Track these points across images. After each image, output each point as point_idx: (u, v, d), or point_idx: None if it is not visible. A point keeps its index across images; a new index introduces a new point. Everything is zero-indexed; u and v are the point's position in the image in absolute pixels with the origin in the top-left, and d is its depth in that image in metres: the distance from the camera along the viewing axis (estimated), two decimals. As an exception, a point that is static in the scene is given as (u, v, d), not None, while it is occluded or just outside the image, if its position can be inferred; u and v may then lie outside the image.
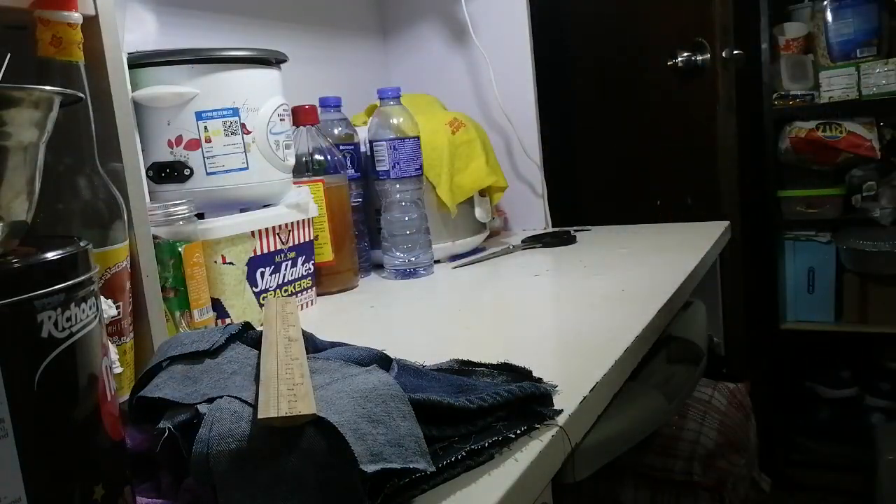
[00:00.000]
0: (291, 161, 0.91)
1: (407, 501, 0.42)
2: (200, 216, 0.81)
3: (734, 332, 1.48)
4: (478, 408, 0.47)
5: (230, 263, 0.82)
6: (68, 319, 0.32)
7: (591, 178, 1.55)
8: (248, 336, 0.56)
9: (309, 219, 0.94)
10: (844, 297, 1.84)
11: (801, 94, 1.78)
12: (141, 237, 0.62)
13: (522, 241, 1.25)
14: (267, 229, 0.86)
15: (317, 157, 1.01)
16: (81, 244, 0.35)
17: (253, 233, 0.85)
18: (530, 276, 1.00)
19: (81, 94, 0.46)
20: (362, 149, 1.12)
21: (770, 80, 1.78)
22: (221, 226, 0.81)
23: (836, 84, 1.73)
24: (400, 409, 0.42)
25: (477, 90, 1.45)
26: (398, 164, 1.04)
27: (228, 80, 0.83)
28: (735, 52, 1.45)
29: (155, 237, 0.67)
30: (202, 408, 0.43)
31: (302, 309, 0.93)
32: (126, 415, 0.49)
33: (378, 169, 1.05)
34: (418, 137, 1.06)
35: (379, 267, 1.13)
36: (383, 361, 0.52)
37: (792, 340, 1.89)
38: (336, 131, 1.11)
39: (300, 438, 0.39)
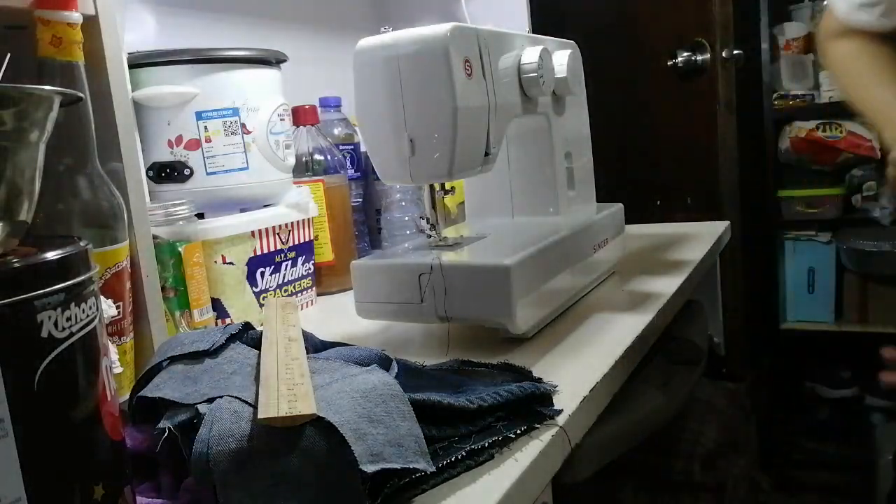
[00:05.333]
0: (291, 161, 0.91)
1: (407, 501, 0.42)
2: (200, 216, 0.81)
3: (734, 332, 1.48)
4: (478, 408, 0.47)
5: (230, 263, 0.82)
6: (68, 319, 0.32)
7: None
8: (248, 336, 0.56)
9: (309, 219, 0.94)
10: (844, 297, 1.84)
11: (801, 94, 1.77)
12: (141, 237, 0.62)
13: (522, 241, 1.25)
14: (267, 229, 0.86)
15: (317, 157, 1.01)
16: (81, 244, 0.35)
17: (253, 233, 0.85)
18: (530, 276, 1.00)
19: (81, 94, 0.46)
20: (362, 149, 1.12)
21: (770, 80, 1.78)
22: (221, 226, 0.81)
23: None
24: (400, 409, 0.42)
25: (477, 90, 1.45)
26: (398, 164, 1.04)
27: (228, 80, 0.83)
28: (735, 52, 1.45)
29: (155, 237, 0.67)
30: (202, 408, 0.43)
31: (302, 309, 0.93)
32: (126, 415, 0.50)
33: (378, 169, 1.05)
34: (418, 137, 1.06)
35: (379, 267, 1.13)
36: (383, 361, 0.52)
37: (792, 340, 1.89)
38: (336, 131, 1.11)
39: (300, 438, 0.39)
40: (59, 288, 0.31)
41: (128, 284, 0.61)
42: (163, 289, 0.68)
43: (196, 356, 0.51)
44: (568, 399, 0.53)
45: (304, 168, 1.00)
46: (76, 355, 0.32)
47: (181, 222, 0.73)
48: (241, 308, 0.83)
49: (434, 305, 0.66)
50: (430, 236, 0.74)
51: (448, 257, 0.68)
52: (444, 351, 0.68)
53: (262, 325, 0.58)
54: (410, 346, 0.72)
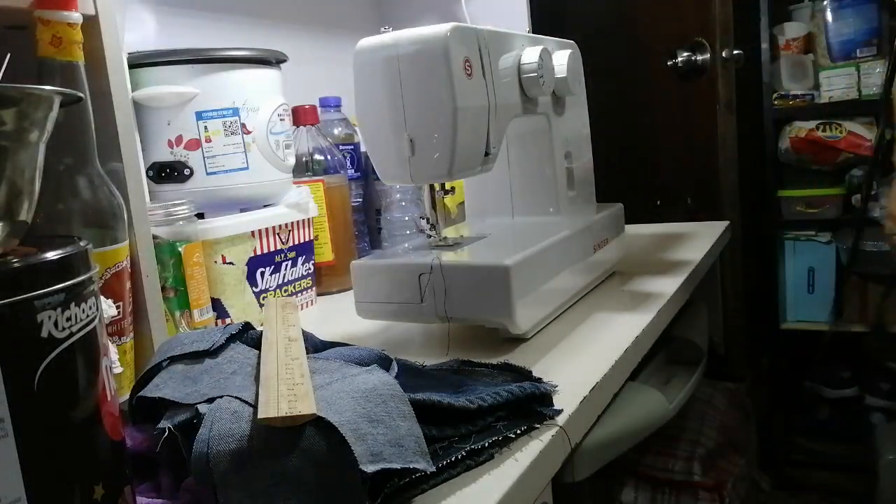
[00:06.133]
0: (291, 161, 0.91)
1: (407, 501, 0.42)
2: (200, 216, 0.81)
3: (734, 332, 1.48)
4: (478, 408, 0.47)
5: (230, 263, 0.82)
6: (68, 319, 0.32)
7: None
8: (248, 336, 0.56)
9: (309, 219, 0.94)
10: (844, 297, 1.84)
11: (801, 94, 1.77)
12: (141, 237, 0.62)
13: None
14: (267, 229, 0.86)
15: (317, 157, 1.01)
16: (81, 244, 0.35)
17: (253, 233, 0.85)
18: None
19: (81, 94, 0.46)
20: (362, 149, 1.12)
21: (770, 80, 1.78)
22: (221, 226, 0.81)
23: (836, 84, 1.73)
24: (400, 409, 0.42)
25: (477, 90, 1.45)
26: (398, 164, 1.04)
27: (228, 80, 0.83)
28: (735, 52, 1.45)
29: (155, 237, 0.67)
30: (202, 408, 0.43)
31: (302, 309, 0.93)
32: (126, 415, 0.50)
33: (378, 169, 1.05)
34: (418, 137, 1.06)
35: (379, 267, 1.13)
36: (383, 361, 0.52)
37: (792, 340, 1.89)
38: (336, 131, 1.11)
39: (300, 438, 0.39)
40: (59, 288, 0.31)
41: (128, 284, 0.60)
42: (163, 289, 0.68)
43: (196, 356, 0.51)
44: (568, 399, 0.53)
45: (304, 168, 1.00)
46: (76, 355, 0.32)
47: (181, 222, 0.73)
48: (241, 308, 0.83)
49: (434, 305, 0.66)
50: (430, 236, 0.74)
51: (448, 257, 0.68)
52: (444, 351, 0.68)
53: (262, 325, 0.58)
54: (410, 346, 0.72)
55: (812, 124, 1.75)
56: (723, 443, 1.04)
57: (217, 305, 0.81)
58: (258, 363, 0.50)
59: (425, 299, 0.66)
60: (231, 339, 0.54)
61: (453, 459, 0.44)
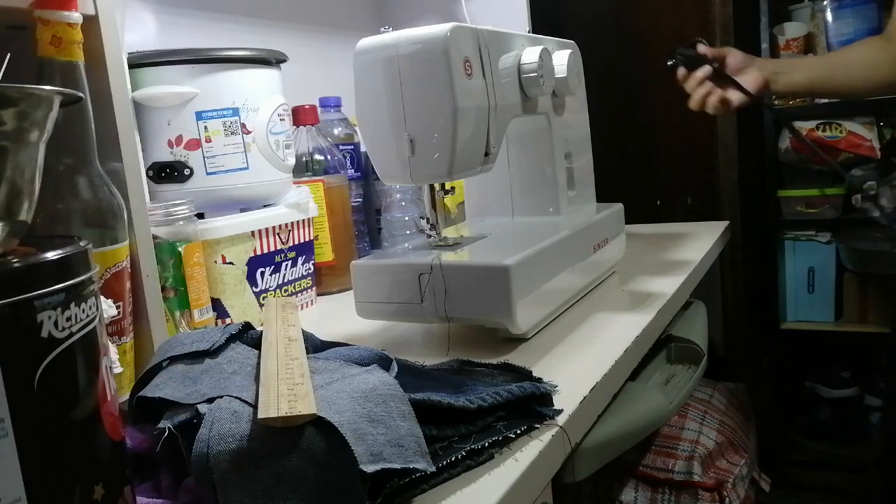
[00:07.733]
0: (291, 161, 0.91)
1: (407, 501, 0.42)
2: (200, 216, 0.81)
3: (734, 332, 1.48)
4: (478, 408, 0.47)
5: (230, 263, 0.82)
6: (68, 319, 0.32)
7: (591, 178, 1.55)
8: (248, 336, 0.56)
9: (309, 219, 0.94)
10: (844, 297, 1.84)
11: (801, 94, 1.77)
12: (141, 237, 0.62)
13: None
14: (267, 229, 0.86)
15: (317, 157, 1.01)
16: (81, 244, 0.35)
17: (253, 233, 0.85)
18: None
19: (81, 94, 0.46)
20: (362, 149, 1.12)
21: (770, 79, 1.78)
22: (221, 226, 0.81)
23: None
24: (400, 409, 0.42)
25: (477, 90, 1.45)
26: (398, 164, 1.04)
27: (228, 80, 0.83)
28: (735, 52, 1.44)
29: (155, 237, 0.67)
30: (202, 408, 0.43)
31: (302, 309, 0.93)
32: (126, 415, 0.50)
33: (378, 169, 1.05)
34: (418, 137, 1.06)
35: (379, 267, 1.13)
36: (383, 361, 0.52)
37: (792, 340, 1.89)
38: (336, 131, 1.11)
39: (300, 438, 0.39)
40: (59, 288, 0.31)
41: (128, 284, 0.60)
42: (163, 289, 0.68)
43: (196, 356, 0.51)
44: (568, 399, 0.53)
45: (304, 168, 1.00)
46: (76, 355, 0.32)
47: (181, 222, 0.73)
48: (241, 308, 0.83)
49: (434, 305, 0.66)
50: (430, 236, 0.74)
51: (448, 257, 0.68)
52: (444, 351, 0.68)
53: (262, 325, 0.58)
54: (410, 346, 0.72)
55: (812, 124, 1.75)
56: (723, 443, 1.04)
57: (217, 305, 0.81)
58: (258, 363, 0.50)
59: (425, 299, 0.66)
60: (231, 339, 0.54)
61: (453, 459, 0.44)
